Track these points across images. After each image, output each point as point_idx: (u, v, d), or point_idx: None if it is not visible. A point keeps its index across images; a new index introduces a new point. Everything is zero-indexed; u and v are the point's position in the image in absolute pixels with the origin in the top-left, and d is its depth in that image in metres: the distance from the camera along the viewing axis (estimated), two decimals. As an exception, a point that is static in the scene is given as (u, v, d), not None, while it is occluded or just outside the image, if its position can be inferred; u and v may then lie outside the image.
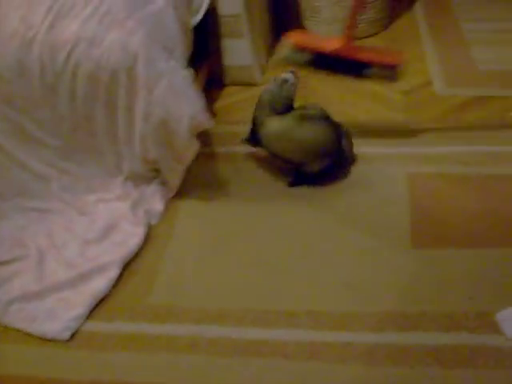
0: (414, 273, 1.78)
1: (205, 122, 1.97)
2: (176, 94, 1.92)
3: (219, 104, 2.64)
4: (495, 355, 1.54)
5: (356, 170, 2.19)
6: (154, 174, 2.13)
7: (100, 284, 1.78)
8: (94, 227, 1.98)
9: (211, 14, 2.57)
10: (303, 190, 2.11)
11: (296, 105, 2.16)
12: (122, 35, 1.90)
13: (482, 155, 2.23)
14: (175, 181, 2.09)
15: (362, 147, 2.26)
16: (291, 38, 2.27)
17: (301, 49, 2.25)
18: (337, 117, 2.22)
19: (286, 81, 2.12)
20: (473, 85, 2.72)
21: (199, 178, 2.20)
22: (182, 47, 2.09)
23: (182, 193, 2.12)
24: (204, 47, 2.65)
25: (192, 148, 2.00)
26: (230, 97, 2.70)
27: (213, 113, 2.55)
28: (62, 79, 1.94)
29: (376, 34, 3.17)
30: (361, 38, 3.09)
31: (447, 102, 2.58)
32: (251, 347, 1.60)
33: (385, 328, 1.63)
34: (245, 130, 2.26)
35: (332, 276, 1.80)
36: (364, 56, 2.19)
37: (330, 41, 2.21)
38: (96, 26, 1.92)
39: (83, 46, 1.90)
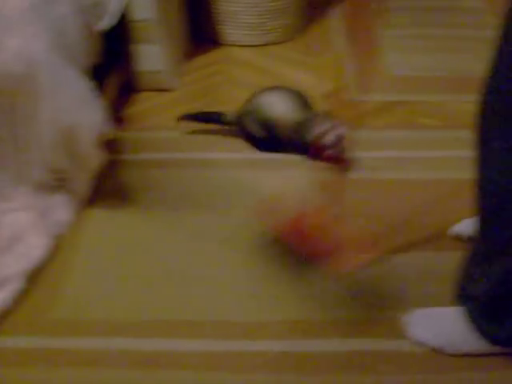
0: (317, 281, 1.79)
1: (106, 131, 1.93)
2: (77, 103, 1.88)
3: (132, 110, 2.60)
4: (398, 359, 1.56)
5: (259, 175, 2.20)
6: (60, 183, 2.07)
7: (1, 297, 1.73)
8: (-3, 239, 1.92)
9: (122, 18, 2.53)
10: (214, 199, 2.10)
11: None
12: (23, 42, 1.85)
13: (392, 160, 2.27)
14: (82, 190, 2.04)
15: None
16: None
17: None
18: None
19: None
20: (385, 90, 2.77)
21: (109, 186, 2.16)
22: (85, 55, 2.05)
23: (91, 202, 2.08)
24: (115, 53, 2.61)
25: (96, 157, 1.96)
26: (143, 103, 2.66)
27: (125, 119, 2.51)
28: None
29: (290, 40, 3.18)
30: (275, 44, 3.12)
31: (358, 107, 2.59)
32: (156, 358, 1.58)
33: (290, 336, 1.63)
34: (156, 136, 2.25)
35: (237, 286, 1.79)
36: None
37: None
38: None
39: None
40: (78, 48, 2.03)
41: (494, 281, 1.46)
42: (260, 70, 2.92)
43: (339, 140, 1.92)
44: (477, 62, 2.83)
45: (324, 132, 1.95)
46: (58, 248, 1.92)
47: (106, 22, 2.33)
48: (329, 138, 1.94)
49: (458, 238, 1.88)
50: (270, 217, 1.79)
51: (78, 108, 1.88)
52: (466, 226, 1.85)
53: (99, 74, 2.26)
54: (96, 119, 1.89)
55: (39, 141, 1.93)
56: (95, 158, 1.96)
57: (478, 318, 1.53)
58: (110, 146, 2.05)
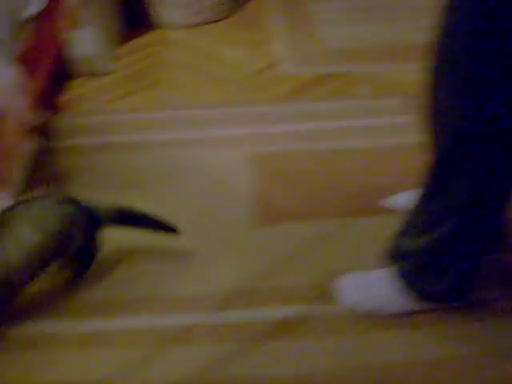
0: (253, 251, 1.81)
1: (32, 118, 1.92)
2: (2, 90, 1.86)
3: (67, 96, 2.58)
4: (329, 323, 1.60)
5: (199, 154, 2.19)
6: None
7: None
8: None
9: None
10: (144, 178, 2.11)
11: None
12: None
13: (328, 130, 2.30)
14: (8, 179, 2.01)
15: (206, 130, 2.28)
16: None
17: None
18: (184, 101, 2.22)
19: None
20: (320, 63, 2.80)
21: (46, 172, 2.13)
22: (11, 41, 2.02)
23: (27, 189, 2.05)
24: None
25: (20, 145, 1.93)
26: (77, 88, 2.64)
27: (60, 105, 2.49)
28: None
29: (224, 18, 3.17)
30: (208, 23, 3.11)
31: (294, 81, 2.63)
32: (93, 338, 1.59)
33: (222, 308, 1.65)
34: (92, 120, 2.25)
35: (164, 260, 1.81)
36: None
37: None
38: None
39: None
40: (4, 34, 2.00)
41: (428, 238, 1.50)
42: (195, 49, 2.91)
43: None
44: (411, 31, 2.92)
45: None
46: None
47: (33, 8, 2.30)
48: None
49: (391, 211, 1.91)
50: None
51: (2, 95, 1.85)
52: (401, 198, 1.90)
53: (27, 61, 2.23)
54: (20, 106, 1.87)
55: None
56: (19, 147, 1.94)
57: (410, 275, 1.57)
58: (44, 132, 2.02)
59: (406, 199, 1.83)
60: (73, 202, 1.63)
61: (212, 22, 3.12)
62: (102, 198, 1.92)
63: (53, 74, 2.53)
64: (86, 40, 2.61)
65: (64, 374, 1.50)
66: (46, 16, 2.33)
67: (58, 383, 1.48)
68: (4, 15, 2.03)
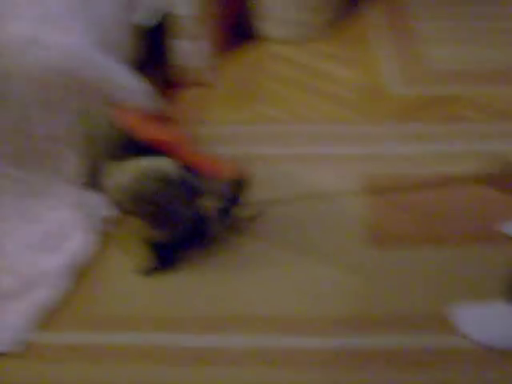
0: (368, 274, 1.76)
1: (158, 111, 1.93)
2: (126, 92, 1.86)
3: (172, 106, 2.58)
4: (451, 355, 1.52)
5: (310, 170, 2.15)
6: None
7: (48, 293, 1.72)
8: (43, 235, 1.91)
9: (166, 15, 2.52)
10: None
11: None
12: (65, 37, 1.84)
13: (435, 155, 2.23)
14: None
15: (317, 147, 2.24)
16: None
17: None
18: (289, 116, 2.19)
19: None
20: (427, 84, 2.72)
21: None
22: (128, 49, 2.03)
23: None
24: (157, 49, 2.59)
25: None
26: (183, 98, 2.64)
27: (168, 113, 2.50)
28: (8, 83, 1.86)
29: (328, 35, 3.12)
30: (313, 39, 3.07)
31: (402, 101, 2.56)
32: (199, 355, 1.56)
33: (335, 333, 1.60)
34: (198, 132, 2.24)
35: (292, 283, 1.76)
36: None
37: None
38: (39, 26, 1.85)
39: (26, 48, 1.83)
40: (121, 43, 2.02)
41: None
42: (301, 65, 2.88)
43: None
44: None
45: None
46: (105, 244, 1.90)
47: (148, 19, 2.32)
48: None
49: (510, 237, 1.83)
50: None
51: (128, 97, 1.86)
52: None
53: (141, 69, 2.24)
54: (144, 104, 1.88)
55: (86, 136, 1.92)
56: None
57: None
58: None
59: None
60: None
61: (316, 39, 3.08)
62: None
63: (161, 83, 2.55)
64: (194, 51, 2.61)
65: None
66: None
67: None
68: (119, 25, 2.05)
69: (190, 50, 2.61)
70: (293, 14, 3.00)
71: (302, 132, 2.38)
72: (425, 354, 1.53)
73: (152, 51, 2.48)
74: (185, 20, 2.54)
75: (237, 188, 1.73)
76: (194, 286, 1.76)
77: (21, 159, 2.01)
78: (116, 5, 2.06)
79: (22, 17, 1.87)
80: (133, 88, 1.91)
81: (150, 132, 1.76)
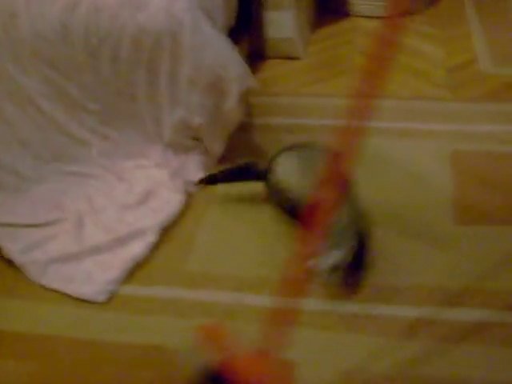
0: (455, 249, 1.74)
1: (253, 83, 1.94)
2: (223, 59, 1.89)
3: (260, 76, 2.60)
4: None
5: (400, 145, 2.13)
6: (194, 143, 2.08)
7: (137, 248, 1.76)
8: (132, 193, 1.96)
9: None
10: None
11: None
12: (167, 0, 1.87)
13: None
14: (217, 149, 2.05)
15: (406, 123, 2.22)
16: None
17: None
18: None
19: None
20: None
21: (238, 148, 2.16)
22: (224, 17, 2.05)
23: (221, 162, 2.09)
24: (248, 19, 2.61)
25: (239, 112, 1.95)
26: (271, 69, 2.66)
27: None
28: (106, 43, 1.90)
29: (421, 11, 3.09)
30: (405, 15, 3.03)
31: (492, 80, 2.51)
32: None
33: (424, 302, 1.59)
34: (285, 102, 2.24)
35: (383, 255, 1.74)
36: None
37: None
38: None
39: (128, 9, 1.87)
40: (218, 9, 2.04)
41: None
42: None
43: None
44: None
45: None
46: (190, 204, 1.94)
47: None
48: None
49: None
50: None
51: (224, 64, 1.88)
52: None
53: (231, 38, 2.26)
54: (241, 73, 1.89)
55: (180, 98, 1.95)
56: (238, 113, 1.96)
57: None
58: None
59: None
60: None
61: (407, 15, 3.03)
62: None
63: (250, 54, 2.57)
64: (285, 22, 2.61)
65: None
66: None
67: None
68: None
69: (280, 21, 2.61)
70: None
71: (391, 107, 2.35)
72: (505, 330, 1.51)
73: (242, 21, 2.50)
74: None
75: None
76: (278, 248, 1.77)
77: (110, 118, 2.07)
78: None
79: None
80: (230, 56, 1.92)
81: None
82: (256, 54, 2.69)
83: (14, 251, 1.77)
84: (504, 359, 1.45)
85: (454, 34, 2.86)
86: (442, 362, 1.44)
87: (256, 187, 1.90)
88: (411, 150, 2.11)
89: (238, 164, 1.94)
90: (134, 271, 1.73)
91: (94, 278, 1.69)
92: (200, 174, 2.02)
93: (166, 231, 1.85)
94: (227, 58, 1.90)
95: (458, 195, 1.91)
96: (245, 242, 1.81)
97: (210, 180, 1.98)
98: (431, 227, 1.81)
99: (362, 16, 3.06)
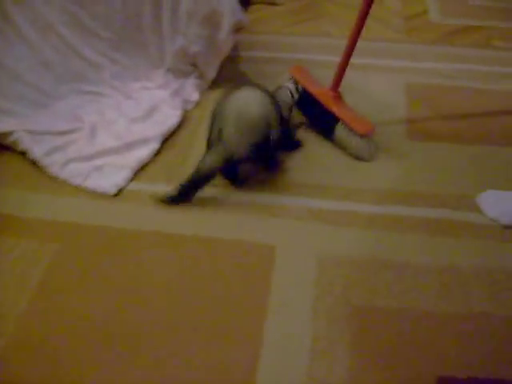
0: (408, 159, 1.73)
1: (243, 18, 1.87)
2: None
3: (247, 18, 2.51)
4: (474, 228, 1.50)
5: (363, 77, 2.09)
6: (192, 68, 2.02)
7: (143, 152, 1.72)
8: (138, 108, 1.89)
9: None
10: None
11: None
12: None
13: (469, 72, 2.15)
14: (211, 74, 1.99)
15: (368, 59, 2.17)
16: (292, 72, 1.87)
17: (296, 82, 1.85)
18: (344, 33, 2.11)
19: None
20: (463, 16, 2.61)
21: (228, 75, 2.09)
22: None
23: (213, 86, 2.03)
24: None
25: (230, 42, 1.89)
26: (256, 13, 2.58)
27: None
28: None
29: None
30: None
31: (439, 28, 2.47)
32: (270, 210, 1.56)
33: (382, 201, 1.58)
34: (267, 39, 2.19)
35: (341, 159, 1.74)
36: (339, 112, 1.73)
37: (319, 86, 1.83)
38: None
39: None
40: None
41: None
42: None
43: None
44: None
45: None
46: (187, 119, 1.90)
47: None
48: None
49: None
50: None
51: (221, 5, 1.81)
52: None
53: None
54: (233, 8, 1.82)
55: (180, 28, 1.88)
56: (229, 43, 1.90)
57: None
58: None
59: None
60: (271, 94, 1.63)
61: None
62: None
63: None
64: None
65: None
66: None
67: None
68: None
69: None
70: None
71: (357, 46, 2.29)
72: (452, 225, 1.51)
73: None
74: None
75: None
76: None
77: (120, 44, 2.00)
78: None
79: None
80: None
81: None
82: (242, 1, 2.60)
83: (38, 154, 1.71)
84: (443, 246, 1.46)
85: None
86: (394, 248, 1.45)
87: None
88: (372, 81, 2.08)
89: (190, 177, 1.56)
90: (140, 171, 1.69)
91: (106, 174, 1.65)
92: (196, 95, 1.97)
93: (167, 140, 1.80)
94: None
95: (411, 117, 1.89)
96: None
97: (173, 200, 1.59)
98: (388, 142, 1.79)
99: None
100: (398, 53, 2.26)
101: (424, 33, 2.42)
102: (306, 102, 1.79)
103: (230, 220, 1.53)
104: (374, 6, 2.46)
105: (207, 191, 1.59)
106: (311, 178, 1.66)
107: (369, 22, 2.45)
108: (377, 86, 2.05)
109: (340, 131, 1.72)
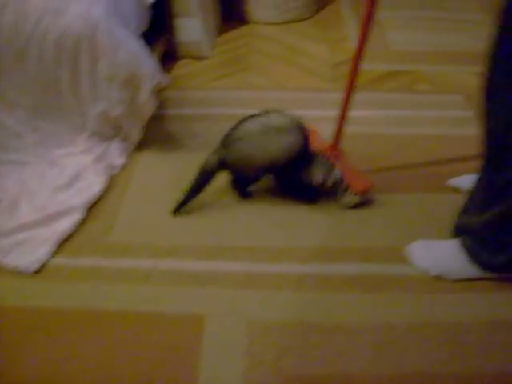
0: (336, 214, 1.71)
1: (163, 79, 1.84)
2: (136, 58, 1.77)
3: (173, 74, 2.51)
4: (405, 281, 1.50)
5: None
6: (115, 131, 1.98)
7: (66, 224, 1.66)
8: (63, 176, 1.83)
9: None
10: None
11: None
12: (84, 7, 1.75)
13: (397, 118, 2.18)
14: (135, 136, 1.95)
15: (296, 111, 2.17)
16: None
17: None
18: (272, 85, 2.12)
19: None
20: (387, 61, 2.66)
21: (155, 135, 2.06)
22: (137, 21, 1.94)
23: (140, 148, 1.99)
24: (161, 24, 2.51)
25: (152, 104, 1.86)
26: (182, 68, 2.56)
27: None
28: (31, 44, 1.76)
29: (308, 18, 3.07)
30: (294, 22, 3.01)
31: (367, 75, 2.50)
32: (197, 277, 1.51)
33: (310, 260, 1.56)
34: (194, 95, 2.17)
35: (268, 219, 1.71)
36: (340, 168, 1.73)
37: (322, 142, 1.89)
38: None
39: (49, 15, 1.74)
40: (131, 15, 1.93)
41: (489, 218, 1.39)
42: (282, 43, 2.80)
43: (336, 184, 1.71)
44: (469, 40, 2.78)
45: (324, 178, 1.70)
46: (113, 185, 1.85)
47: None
48: (328, 185, 1.71)
49: (456, 190, 1.80)
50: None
51: (137, 62, 1.77)
52: (465, 180, 1.78)
53: (147, 42, 2.17)
54: (152, 70, 1.80)
55: (100, 93, 1.84)
56: (151, 105, 1.86)
57: (474, 248, 1.46)
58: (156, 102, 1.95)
59: (468, 180, 1.72)
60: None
61: (296, 21, 3.01)
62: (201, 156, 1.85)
63: (163, 55, 2.47)
64: (193, 28, 2.52)
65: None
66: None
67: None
68: (132, 0, 1.96)
69: (188, 26, 2.51)
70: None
71: (281, 97, 2.32)
72: (383, 280, 1.50)
73: (157, 26, 2.41)
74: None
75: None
76: (195, 220, 1.71)
77: (41, 111, 1.93)
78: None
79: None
80: (142, 56, 1.82)
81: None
82: (170, 55, 2.59)
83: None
84: (374, 303, 1.44)
85: (335, 37, 2.84)
86: (325, 309, 1.42)
87: (173, 174, 1.87)
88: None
89: (194, 178, 1.71)
90: (63, 244, 1.62)
91: (27, 250, 1.58)
92: (121, 159, 1.93)
93: (92, 208, 1.75)
94: (140, 57, 1.79)
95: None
96: (161, 216, 1.73)
97: (181, 205, 1.72)
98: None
99: (258, 23, 3.00)
100: (324, 102, 2.27)
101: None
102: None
103: (156, 292, 1.48)
104: (299, 56, 2.52)
105: (133, 263, 1.54)
106: (240, 241, 1.62)
107: (296, 71, 2.53)
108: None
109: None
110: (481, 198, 1.43)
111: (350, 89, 1.71)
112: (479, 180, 1.41)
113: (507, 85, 1.22)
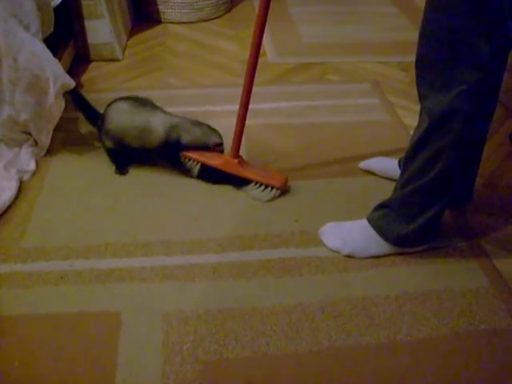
0: (249, 203, 1.74)
1: (69, 81, 1.81)
2: (39, 61, 1.74)
3: (85, 77, 2.47)
4: (318, 262, 1.53)
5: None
6: (25, 136, 1.93)
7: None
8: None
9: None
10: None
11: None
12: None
13: (306, 108, 2.23)
14: (45, 140, 1.91)
15: (207, 106, 2.19)
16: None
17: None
18: (185, 83, 2.12)
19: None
20: (298, 54, 2.72)
21: (66, 139, 2.03)
22: (38, 24, 1.89)
23: (51, 152, 1.95)
24: (70, 27, 2.47)
25: (59, 106, 1.83)
26: (95, 70, 2.53)
27: (79, 85, 2.38)
28: None
29: (220, 16, 3.09)
30: (206, 20, 3.03)
31: (277, 68, 2.55)
32: (113, 275, 1.50)
33: (225, 249, 1.57)
34: (107, 97, 2.15)
35: (181, 212, 1.72)
36: (248, 174, 1.76)
37: (216, 156, 1.82)
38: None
39: None
40: (30, 17, 1.88)
41: (400, 192, 1.47)
42: (194, 41, 2.82)
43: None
44: (373, 32, 2.87)
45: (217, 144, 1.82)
46: (24, 190, 1.80)
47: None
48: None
49: (367, 172, 1.85)
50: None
51: (40, 64, 1.74)
52: (375, 162, 1.84)
53: (57, 46, 2.14)
54: (57, 72, 1.77)
55: (5, 97, 1.79)
56: (59, 108, 1.83)
57: (384, 221, 1.51)
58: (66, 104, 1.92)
59: (378, 162, 1.79)
60: None
61: (208, 20, 3.03)
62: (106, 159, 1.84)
63: (75, 58, 2.44)
64: (102, 30, 2.49)
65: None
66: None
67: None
68: (33, 3, 1.91)
69: (98, 28, 2.49)
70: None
71: (195, 94, 2.33)
72: (296, 263, 1.53)
73: (66, 28, 2.38)
74: (93, 2, 2.42)
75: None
76: (108, 218, 1.70)
77: None
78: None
79: None
80: (45, 58, 1.78)
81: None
82: (82, 58, 2.56)
83: None
84: (288, 286, 1.47)
85: (246, 34, 2.87)
86: (241, 295, 1.44)
87: (85, 176, 1.85)
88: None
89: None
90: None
91: None
92: (32, 164, 1.88)
93: (3, 214, 1.70)
94: (43, 59, 1.76)
95: (249, 159, 1.90)
96: (74, 218, 1.70)
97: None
98: (224, 189, 1.80)
99: (170, 22, 3.00)
100: (236, 97, 2.29)
101: (262, 74, 2.47)
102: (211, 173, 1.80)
103: (71, 292, 1.45)
104: (212, 53, 2.53)
105: (47, 265, 1.52)
106: (154, 235, 1.62)
107: (208, 69, 2.54)
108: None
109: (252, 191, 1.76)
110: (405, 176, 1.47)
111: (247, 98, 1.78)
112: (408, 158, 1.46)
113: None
